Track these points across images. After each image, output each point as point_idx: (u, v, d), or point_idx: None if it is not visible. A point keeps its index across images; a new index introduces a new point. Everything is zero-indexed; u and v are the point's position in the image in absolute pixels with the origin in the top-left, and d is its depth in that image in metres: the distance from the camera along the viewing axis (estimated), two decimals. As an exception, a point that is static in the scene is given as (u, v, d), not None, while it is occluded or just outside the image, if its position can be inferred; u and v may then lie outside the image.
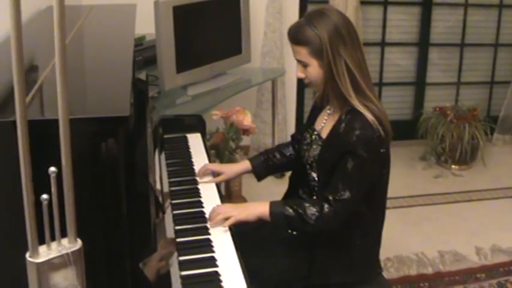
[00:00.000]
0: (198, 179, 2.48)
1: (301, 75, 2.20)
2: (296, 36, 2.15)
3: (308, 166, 2.33)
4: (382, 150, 2.14)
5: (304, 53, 2.13)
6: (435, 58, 5.29)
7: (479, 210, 4.23)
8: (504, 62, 5.42)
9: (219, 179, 2.52)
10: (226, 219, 2.12)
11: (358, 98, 2.12)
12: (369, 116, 2.10)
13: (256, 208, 2.17)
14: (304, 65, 2.17)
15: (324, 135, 2.27)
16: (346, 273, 2.28)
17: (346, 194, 2.08)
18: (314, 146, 2.29)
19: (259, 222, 2.17)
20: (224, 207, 2.20)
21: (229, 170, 2.56)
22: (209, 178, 2.49)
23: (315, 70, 2.14)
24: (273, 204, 2.16)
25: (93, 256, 1.19)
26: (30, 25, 2.39)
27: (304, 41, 2.12)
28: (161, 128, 2.65)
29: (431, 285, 3.35)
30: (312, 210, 2.10)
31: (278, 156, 2.55)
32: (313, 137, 2.32)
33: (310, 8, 4.63)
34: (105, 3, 3.02)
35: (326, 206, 2.10)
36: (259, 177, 2.58)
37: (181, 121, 2.95)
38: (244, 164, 2.56)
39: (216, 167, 2.58)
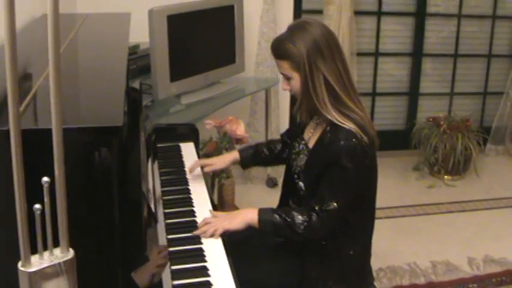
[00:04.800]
0: (188, 176, 2.55)
1: (287, 87, 2.24)
2: (277, 50, 2.20)
3: (296, 176, 2.34)
4: (367, 161, 2.15)
5: (285, 66, 2.17)
6: (428, 68, 5.30)
7: (472, 220, 4.23)
8: (497, 73, 5.44)
9: (208, 169, 2.60)
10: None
11: (338, 110, 2.14)
12: (352, 126, 2.11)
13: (245, 215, 2.18)
14: (287, 78, 2.20)
15: (310, 145, 2.28)
16: (338, 283, 2.28)
17: (333, 205, 2.10)
18: (301, 156, 2.31)
19: (250, 231, 2.17)
20: (213, 219, 2.20)
21: (218, 160, 2.65)
22: (199, 172, 2.57)
23: (297, 83, 2.18)
24: (261, 212, 2.17)
25: (85, 266, 1.19)
26: (25, 33, 2.38)
27: (285, 56, 2.16)
28: (154, 136, 2.65)
29: (424, 296, 3.36)
30: (300, 220, 2.12)
31: (266, 152, 2.62)
32: (301, 146, 2.33)
33: (303, 17, 4.64)
34: (99, 12, 3.02)
35: (313, 216, 2.11)
36: (244, 167, 2.71)
37: (175, 130, 2.95)
38: (234, 155, 2.64)
39: (206, 160, 2.67)
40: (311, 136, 2.31)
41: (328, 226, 2.14)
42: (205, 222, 2.15)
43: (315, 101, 2.15)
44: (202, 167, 2.60)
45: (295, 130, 2.43)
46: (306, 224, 2.11)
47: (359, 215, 2.26)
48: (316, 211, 2.11)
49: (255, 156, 2.62)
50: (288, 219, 2.12)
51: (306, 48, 2.11)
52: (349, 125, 2.12)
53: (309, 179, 2.25)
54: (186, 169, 2.61)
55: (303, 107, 2.23)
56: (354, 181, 2.13)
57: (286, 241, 2.32)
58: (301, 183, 2.31)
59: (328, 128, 2.18)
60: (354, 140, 2.10)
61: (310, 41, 2.13)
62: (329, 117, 2.14)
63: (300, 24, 2.20)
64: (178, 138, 2.89)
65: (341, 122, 2.12)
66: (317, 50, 2.12)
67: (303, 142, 2.34)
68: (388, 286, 3.39)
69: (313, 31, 2.15)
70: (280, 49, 2.18)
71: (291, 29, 2.20)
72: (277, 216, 2.14)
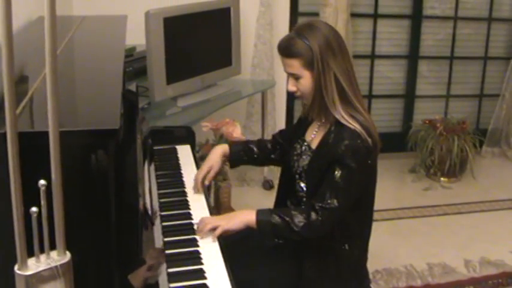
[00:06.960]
0: (184, 179, 2.53)
1: (293, 88, 2.20)
2: (288, 49, 2.16)
3: (297, 176, 2.34)
4: (369, 161, 2.15)
5: (296, 65, 2.14)
6: (425, 71, 5.31)
7: (468, 222, 4.24)
8: (493, 75, 5.46)
9: (210, 176, 2.50)
10: (214, 229, 2.11)
11: (345, 109, 2.13)
12: (357, 127, 2.11)
13: (244, 216, 2.17)
14: (296, 78, 2.17)
15: (314, 146, 2.27)
16: (335, 284, 2.28)
17: (333, 203, 2.09)
18: (304, 157, 2.30)
19: (247, 231, 2.17)
20: (211, 218, 2.20)
21: (212, 161, 2.53)
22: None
23: (307, 82, 2.15)
24: (259, 212, 2.16)
25: (82, 268, 1.19)
26: (21, 35, 2.38)
27: (297, 53, 2.13)
28: (151, 139, 2.65)
29: (420, 298, 3.36)
30: (298, 218, 2.11)
31: (256, 150, 2.57)
32: (303, 147, 2.33)
33: (301, 20, 4.64)
34: (96, 14, 3.02)
35: (313, 214, 2.10)
36: (233, 165, 2.61)
37: (171, 133, 2.94)
38: (223, 147, 2.56)
39: (204, 170, 2.52)
40: (314, 138, 2.30)
41: (327, 224, 2.13)
42: (204, 222, 2.15)
43: (325, 99, 2.14)
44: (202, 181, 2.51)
45: (296, 131, 2.43)
46: (304, 221, 2.10)
47: (357, 217, 2.25)
48: (316, 209, 2.10)
49: (245, 152, 2.55)
50: (287, 218, 2.11)
51: (319, 45, 2.10)
52: (354, 125, 2.12)
53: (311, 179, 2.24)
54: (183, 172, 2.61)
55: (315, 106, 2.20)
56: (356, 181, 2.13)
57: (283, 242, 2.32)
58: (302, 184, 2.31)
59: (332, 128, 2.18)
60: (358, 140, 2.10)
61: (322, 39, 2.11)
62: (337, 116, 2.13)
63: (308, 23, 2.19)
64: (175, 141, 2.88)
65: (347, 121, 2.12)
66: (329, 47, 2.11)
67: (305, 143, 2.33)
68: (384, 288, 3.40)
69: (323, 29, 2.15)
70: (291, 47, 2.14)
71: (300, 28, 2.17)
72: (275, 216, 2.13)
